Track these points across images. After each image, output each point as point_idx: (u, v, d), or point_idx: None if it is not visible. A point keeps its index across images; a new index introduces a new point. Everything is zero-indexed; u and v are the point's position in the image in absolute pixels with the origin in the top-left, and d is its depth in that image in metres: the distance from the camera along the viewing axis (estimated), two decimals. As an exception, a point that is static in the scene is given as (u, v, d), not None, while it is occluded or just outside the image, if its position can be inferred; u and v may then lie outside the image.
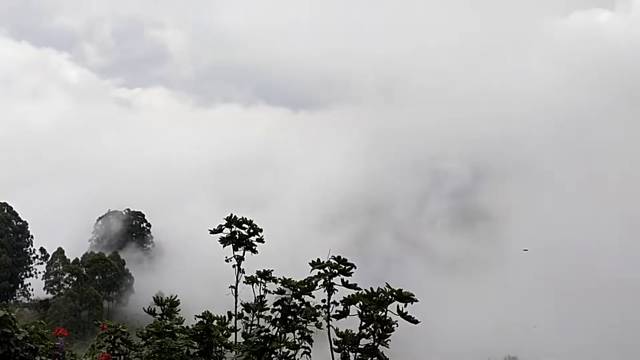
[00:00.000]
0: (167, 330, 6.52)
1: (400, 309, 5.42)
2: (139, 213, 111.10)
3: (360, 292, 5.73)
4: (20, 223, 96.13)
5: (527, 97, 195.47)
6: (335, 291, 5.84)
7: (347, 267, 5.82)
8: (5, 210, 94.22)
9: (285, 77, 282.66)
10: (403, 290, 5.46)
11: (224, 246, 6.97)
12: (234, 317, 6.99)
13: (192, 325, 6.68)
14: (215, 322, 6.71)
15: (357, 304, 5.78)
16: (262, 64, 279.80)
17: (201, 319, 6.65)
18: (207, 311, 6.65)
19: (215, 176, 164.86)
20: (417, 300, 5.42)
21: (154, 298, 7.57)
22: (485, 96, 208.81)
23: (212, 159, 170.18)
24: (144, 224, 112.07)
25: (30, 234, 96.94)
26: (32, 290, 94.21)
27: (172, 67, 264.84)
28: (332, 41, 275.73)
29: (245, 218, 7.07)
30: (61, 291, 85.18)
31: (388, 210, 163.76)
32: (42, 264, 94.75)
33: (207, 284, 70.03)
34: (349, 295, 5.80)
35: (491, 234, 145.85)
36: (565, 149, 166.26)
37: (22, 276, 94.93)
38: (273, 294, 6.56)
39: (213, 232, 6.97)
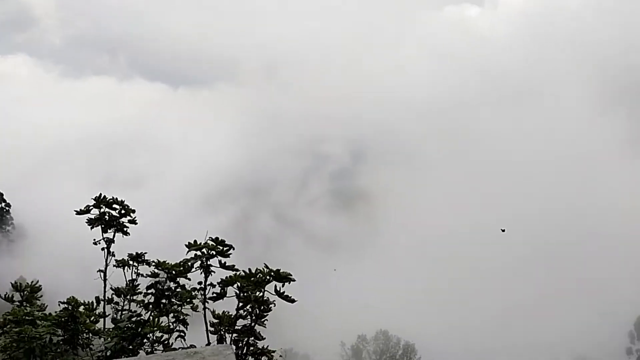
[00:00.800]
0: (27, 318, 5.99)
1: (278, 289, 5.44)
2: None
3: (238, 273, 5.66)
4: None
5: (405, 84, 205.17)
6: (212, 273, 5.72)
7: (224, 249, 5.71)
8: None
9: (165, 51, 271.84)
10: (281, 271, 5.47)
11: (91, 228, 6.52)
12: (102, 303, 6.58)
13: (56, 312, 6.20)
14: (81, 308, 6.28)
15: (235, 285, 5.71)
16: (140, 36, 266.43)
17: (66, 305, 6.19)
18: (73, 297, 6.20)
19: (86, 153, 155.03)
20: (294, 280, 5.46)
21: (11, 284, 6.93)
22: (366, 82, 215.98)
23: (82, 135, 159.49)
24: (3, 204, 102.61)
25: None
26: None
27: (37, 33, 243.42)
28: (216, 18, 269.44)
29: (116, 198, 6.66)
30: None
31: (269, 192, 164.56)
32: None
33: (75, 268, 65.99)
34: (226, 277, 5.71)
35: (369, 215, 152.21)
36: (439, 135, 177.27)
37: None
38: (146, 277, 6.27)
39: (79, 212, 6.49)
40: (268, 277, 5.49)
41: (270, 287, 5.56)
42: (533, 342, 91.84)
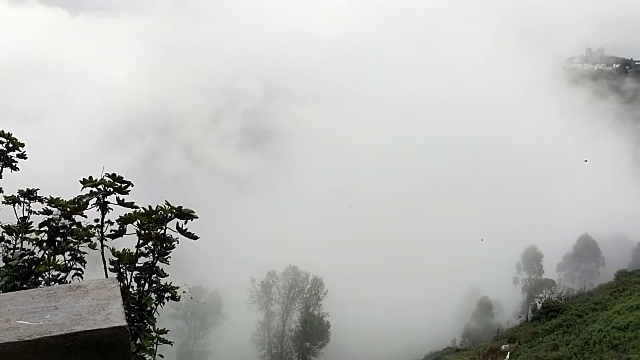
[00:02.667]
0: None
1: (180, 226, 5.37)
2: None
3: (138, 210, 5.51)
4: None
5: (322, 25, 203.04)
6: (110, 210, 5.53)
7: (123, 185, 5.51)
8: None
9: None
10: (183, 208, 5.39)
11: (-26, 162, 6.04)
12: (-10, 241, 6.21)
13: None
14: (-33, 248, 5.91)
15: (135, 223, 5.57)
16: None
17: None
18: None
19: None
20: (197, 217, 5.40)
21: None
22: (281, 21, 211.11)
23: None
24: None
25: None
26: None
27: None
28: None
29: (2, 131, 6.18)
30: None
31: (179, 128, 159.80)
32: None
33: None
34: (125, 214, 5.54)
35: (281, 154, 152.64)
36: (354, 76, 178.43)
37: None
38: (39, 214, 5.96)
39: (-40, 146, 5.98)
40: (169, 215, 5.40)
41: (173, 224, 5.47)
42: (430, 274, 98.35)
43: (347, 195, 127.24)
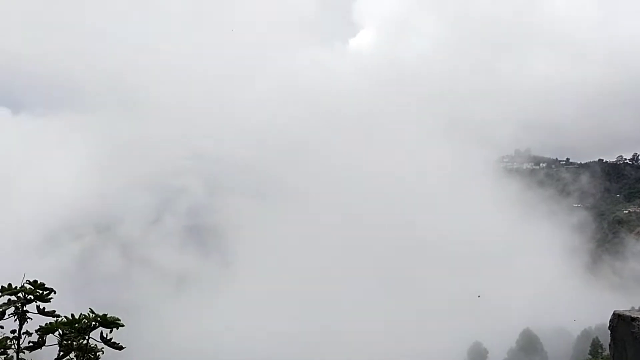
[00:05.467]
0: None
1: (105, 335, 5.09)
2: None
3: (59, 319, 5.20)
4: None
5: (259, 120, 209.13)
6: (29, 320, 5.20)
7: (45, 293, 5.23)
8: None
9: (6, 72, 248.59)
10: (108, 315, 5.13)
11: None
12: None
13: None
14: None
15: (57, 333, 5.24)
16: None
17: None
18: None
19: None
20: (122, 325, 5.15)
21: None
22: (222, 116, 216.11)
23: None
24: None
25: None
26: None
27: None
28: (61, 38, 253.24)
29: None
30: None
31: (118, 228, 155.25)
32: None
33: None
34: (46, 324, 5.22)
35: (221, 249, 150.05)
36: (291, 172, 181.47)
37: None
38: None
39: None
40: (94, 323, 5.12)
41: (97, 333, 5.19)
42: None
43: (287, 288, 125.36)
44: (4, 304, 5.20)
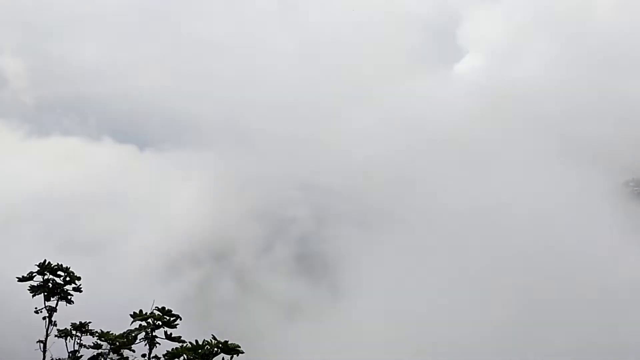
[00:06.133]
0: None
1: (226, 362, 5.25)
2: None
3: (184, 345, 5.45)
4: None
5: (365, 150, 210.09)
6: (157, 345, 5.50)
7: (171, 319, 5.52)
8: None
9: (133, 113, 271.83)
10: (229, 342, 5.30)
11: (33, 295, 6.25)
12: (40, 377, 6.22)
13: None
14: (16, 383, 5.90)
15: (182, 358, 5.49)
16: (109, 98, 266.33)
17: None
18: (7, 371, 5.84)
19: (47, 215, 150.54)
20: (242, 352, 5.29)
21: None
22: (329, 147, 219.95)
23: (40, 195, 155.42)
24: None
25: None
26: None
27: (5, 95, 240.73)
28: (184, 80, 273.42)
29: (61, 264, 6.44)
30: None
31: (233, 256, 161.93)
32: None
33: (19, 336, 62.54)
34: (172, 349, 5.49)
35: (330, 277, 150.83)
36: (400, 201, 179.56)
37: None
38: (88, 348, 5.98)
39: (22, 279, 6.23)
40: (216, 349, 5.31)
41: (218, 358, 5.37)
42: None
43: (401, 324, 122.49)
44: (135, 329, 5.57)
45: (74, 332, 6.42)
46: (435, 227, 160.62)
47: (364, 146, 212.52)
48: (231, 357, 5.26)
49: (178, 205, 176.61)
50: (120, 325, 6.19)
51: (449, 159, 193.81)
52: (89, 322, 6.40)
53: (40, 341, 6.18)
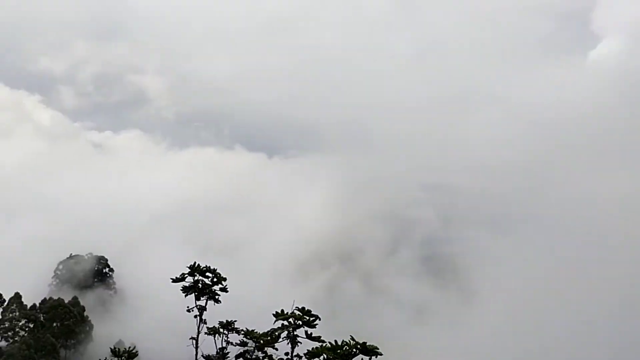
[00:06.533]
0: (123, 384, 6.23)
1: (365, 363, 5.31)
2: (102, 257, 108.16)
3: (324, 344, 5.58)
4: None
5: (494, 148, 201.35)
6: (299, 344, 5.70)
7: (311, 319, 5.69)
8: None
9: (262, 122, 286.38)
10: (368, 344, 5.35)
11: (185, 295, 6.77)
12: (193, 370, 6.72)
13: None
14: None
15: (321, 358, 5.63)
16: (240, 109, 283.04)
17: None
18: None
19: (186, 220, 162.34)
20: (381, 354, 5.30)
21: (111, 349, 7.26)
22: (453, 145, 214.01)
23: (184, 202, 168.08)
24: (107, 269, 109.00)
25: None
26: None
27: (149, 112, 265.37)
28: (307, 88, 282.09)
29: (209, 266, 6.92)
30: (16, 338, 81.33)
31: (358, 258, 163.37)
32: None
33: (170, 333, 67.94)
34: (313, 348, 5.65)
35: (460, 281, 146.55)
36: (531, 200, 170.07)
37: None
38: (235, 345, 6.36)
39: (175, 280, 6.78)
40: (354, 350, 5.38)
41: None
42: None
43: (531, 327, 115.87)
44: (278, 328, 5.83)
45: (221, 330, 6.85)
46: (569, 224, 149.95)
47: (491, 143, 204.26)
48: (370, 358, 5.30)
49: (305, 209, 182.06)
50: (254, 324, 6.50)
51: (583, 155, 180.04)
52: (235, 321, 6.80)
53: (192, 338, 6.68)
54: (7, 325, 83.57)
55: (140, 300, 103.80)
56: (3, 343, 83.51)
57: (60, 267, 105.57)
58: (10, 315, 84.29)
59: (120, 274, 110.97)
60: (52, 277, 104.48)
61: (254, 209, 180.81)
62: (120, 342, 65.24)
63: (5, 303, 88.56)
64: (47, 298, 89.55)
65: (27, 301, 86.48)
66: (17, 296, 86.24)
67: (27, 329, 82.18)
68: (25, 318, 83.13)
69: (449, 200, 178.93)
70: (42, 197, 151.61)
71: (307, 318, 5.30)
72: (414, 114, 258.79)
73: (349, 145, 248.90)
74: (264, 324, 6.34)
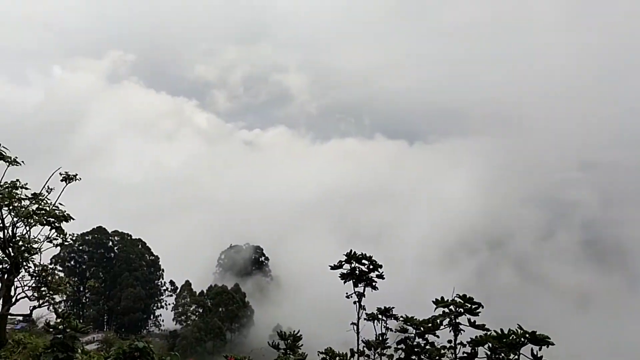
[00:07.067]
0: (292, 366, 6.58)
1: (535, 353, 5.03)
2: (258, 247, 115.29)
3: (489, 333, 5.41)
4: (153, 257, 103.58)
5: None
6: (462, 332, 5.57)
7: (473, 306, 5.53)
8: (140, 246, 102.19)
9: (402, 110, 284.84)
10: (537, 333, 5.07)
11: (344, 282, 6.95)
12: (356, 355, 6.89)
13: (315, 362, 6.69)
14: (337, 359, 6.66)
15: (486, 346, 5.46)
16: (378, 98, 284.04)
17: (324, 356, 6.65)
18: (330, 348, 6.63)
19: (333, 209, 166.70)
20: (553, 344, 5.01)
21: (277, 332, 7.72)
22: (606, 120, 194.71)
23: (327, 193, 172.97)
24: (263, 258, 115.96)
25: (161, 267, 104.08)
26: (163, 321, 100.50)
27: (293, 108, 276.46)
28: (446, 72, 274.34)
29: (365, 254, 7.03)
30: (188, 322, 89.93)
31: (510, 244, 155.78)
32: (171, 296, 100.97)
33: (322, 318, 70.38)
34: (476, 336, 5.50)
35: (624, 266, 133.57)
36: None
37: (154, 307, 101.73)
38: (395, 332, 6.41)
39: (333, 267, 6.98)
40: (522, 339, 5.14)
41: (526, 350, 5.19)
42: None
43: None
44: (439, 315, 5.76)
45: (380, 316, 6.93)
46: None
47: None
48: (540, 348, 5.03)
49: (450, 194, 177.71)
50: (401, 311, 6.48)
51: None
52: (393, 307, 6.84)
53: (353, 323, 6.84)
54: (180, 310, 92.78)
55: (294, 286, 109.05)
56: (178, 326, 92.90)
57: (222, 256, 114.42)
58: (183, 301, 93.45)
59: (275, 262, 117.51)
60: (216, 266, 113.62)
61: (397, 196, 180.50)
62: (278, 326, 69.13)
63: (178, 290, 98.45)
64: (213, 285, 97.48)
65: (196, 288, 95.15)
66: (188, 284, 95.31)
67: (197, 314, 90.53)
68: (195, 303, 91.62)
69: (610, 179, 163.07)
70: (203, 193, 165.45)
71: (469, 305, 5.16)
72: (568, 89, 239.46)
73: (494, 127, 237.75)
74: (414, 312, 6.30)
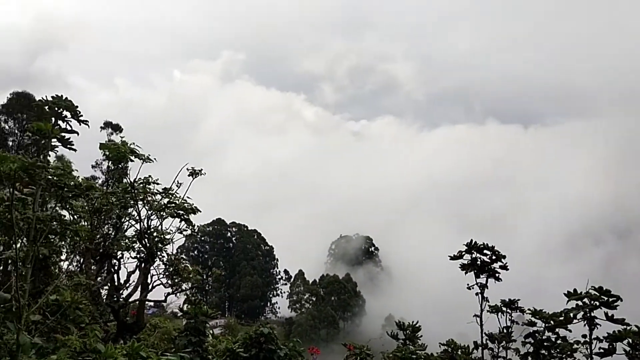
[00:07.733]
0: (412, 356, 6.54)
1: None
2: (368, 237, 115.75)
3: (629, 328, 5.03)
4: (268, 247, 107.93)
5: None
6: (597, 326, 5.23)
7: (610, 300, 5.16)
8: (255, 236, 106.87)
9: (514, 94, 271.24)
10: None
11: (465, 273, 6.76)
12: (480, 348, 6.70)
13: (437, 353, 6.60)
14: (459, 352, 6.52)
15: (625, 342, 5.09)
16: (489, 83, 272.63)
17: (446, 347, 6.54)
18: (452, 339, 6.51)
19: (443, 198, 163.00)
20: None
21: (396, 323, 7.70)
22: None
23: (436, 182, 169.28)
24: (372, 248, 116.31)
25: (276, 257, 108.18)
26: (279, 308, 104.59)
27: (400, 97, 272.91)
28: (560, 52, 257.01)
29: (487, 244, 6.79)
30: (302, 310, 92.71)
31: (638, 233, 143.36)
32: (286, 284, 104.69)
33: (434, 308, 69.33)
34: (614, 331, 5.14)
35: None
36: None
37: (270, 295, 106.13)
38: (522, 325, 6.16)
39: (453, 258, 6.81)
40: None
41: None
42: None
43: None
44: (572, 308, 5.42)
45: (504, 309, 6.69)
46: None
47: None
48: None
49: (570, 180, 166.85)
50: (529, 301, 6.18)
51: None
52: (518, 300, 6.57)
53: (476, 315, 6.66)
54: (294, 298, 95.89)
55: (405, 276, 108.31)
56: (293, 313, 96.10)
57: (333, 246, 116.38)
58: (297, 289, 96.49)
59: (385, 252, 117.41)
60: (327, 256, 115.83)
61: (513, 183, 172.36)
62: (390, 316, 69.09)
63: (292, 279, 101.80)
64: (325, 274, 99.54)
65: (309, 277, 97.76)
66: (301, 273, 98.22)
67: (310, 302, 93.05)
68: (308, 292, 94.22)
69: None
70: (314, 185, 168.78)
71: (606, 299, 4.83)
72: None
73: (621, 105, 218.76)
74: (535, 304, 5.99)
